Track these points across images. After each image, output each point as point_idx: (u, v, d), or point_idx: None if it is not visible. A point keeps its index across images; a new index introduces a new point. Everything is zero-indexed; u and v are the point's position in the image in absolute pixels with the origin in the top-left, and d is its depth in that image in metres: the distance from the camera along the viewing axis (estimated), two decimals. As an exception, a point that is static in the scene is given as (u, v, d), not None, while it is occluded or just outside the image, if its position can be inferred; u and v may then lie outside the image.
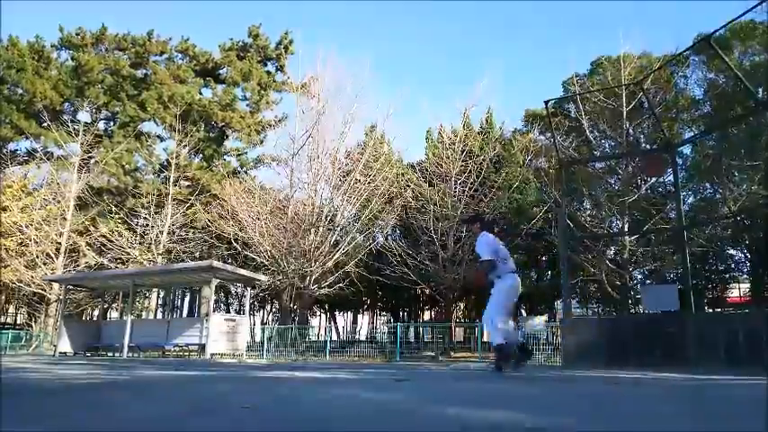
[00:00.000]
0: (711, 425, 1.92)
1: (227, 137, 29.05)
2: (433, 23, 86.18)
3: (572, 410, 2.34)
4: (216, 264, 13.99)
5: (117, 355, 14.40)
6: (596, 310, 31.57)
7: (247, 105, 29.14)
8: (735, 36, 19.79)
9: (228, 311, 37.94)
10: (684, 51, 16.77)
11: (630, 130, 20.65)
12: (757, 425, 1.92)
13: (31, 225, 21.20)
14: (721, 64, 14.93)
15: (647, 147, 20.66)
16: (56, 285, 21.06)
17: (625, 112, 19.36)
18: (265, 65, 29.99)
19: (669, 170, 9.84)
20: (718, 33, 18.53)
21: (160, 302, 28.99)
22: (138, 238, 22.18)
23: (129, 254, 21.66)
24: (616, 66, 20.38)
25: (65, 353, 14.89)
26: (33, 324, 27.71)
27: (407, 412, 2.25)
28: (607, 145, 22.14)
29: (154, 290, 23.48)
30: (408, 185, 21.39)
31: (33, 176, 24.88)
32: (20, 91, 25.98)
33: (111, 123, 28.65)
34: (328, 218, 20.66)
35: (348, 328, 42.31)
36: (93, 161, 24.07)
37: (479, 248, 5.52)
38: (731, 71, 9.95)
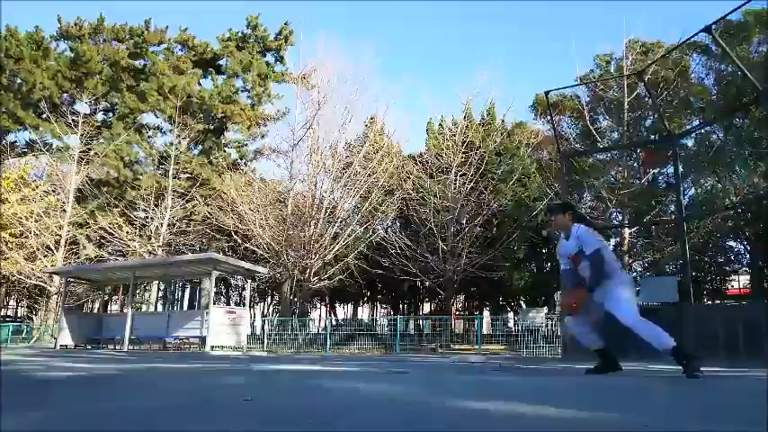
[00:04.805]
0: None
1: (226, 128, 28.93)
2: (434, 10, 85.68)
3: (568, 400, 2.33)
4: (216, 256, 13.98)
5: (118, 347, 14.42)
6: (596, 302, 31.59)
7: (248, 97, 29.01)
8: (754, 23, 19.31)
9: (229, 304, 37.98)
10: (687, 41, 16.61)
11: (633, 122, 20.57)
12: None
13: (31, 217, 21.16)
14: (727, 53, 14.82)
15: (650, 137, 20.58)
16: (56, 278, 21.05)
17: (626, 103, 19.28)
18: (265, 56, 29.82)
19: (670, 161, 9.82)
20: (735, 20, 18.13)
21: (160, 295, 29.03)
22: (137, 230, 22.16)
23: (128, 246, 21.66)
24: (635, 56, 20.10)
25: (65, 346, 14.91)
26: (34, 317, 27.80)
27: (405, 403, 2.24)
28: (610, 136, 22.05)
29: (154, 282, 23.47)
30: (408, 177, 21.32)
31: (29, 167, 24.75)
32: (18, 81, 25.82)
33: (111, 114, 28.52)
34: (328, 210, 20.61)
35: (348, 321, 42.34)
36: (92, 153, 23.98)
37: (586, 239, 4.31)
38: (733, 61, 9.89)
